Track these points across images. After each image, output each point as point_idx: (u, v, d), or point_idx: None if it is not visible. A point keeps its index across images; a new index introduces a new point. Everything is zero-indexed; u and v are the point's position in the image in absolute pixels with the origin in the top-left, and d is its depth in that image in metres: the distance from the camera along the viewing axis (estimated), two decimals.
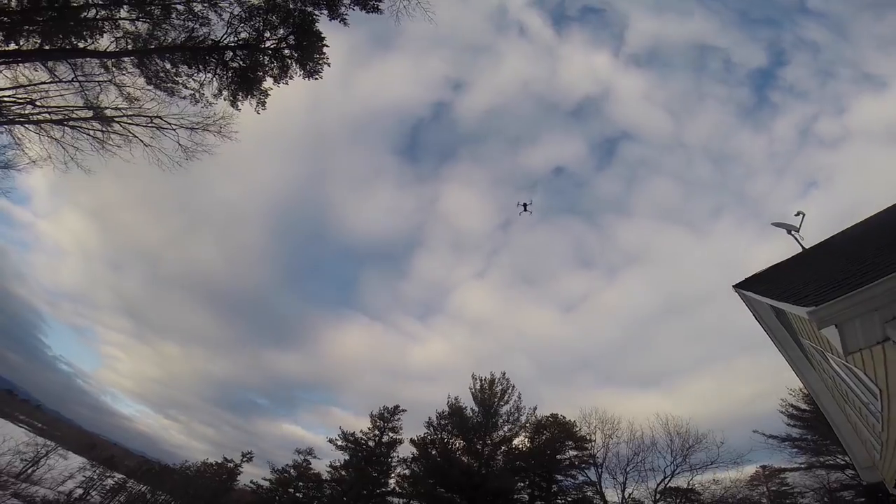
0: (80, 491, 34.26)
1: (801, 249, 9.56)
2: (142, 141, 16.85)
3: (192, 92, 16.41)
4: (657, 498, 30.68)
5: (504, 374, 37.61)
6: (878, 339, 4.01)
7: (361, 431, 36.79)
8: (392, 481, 36.19)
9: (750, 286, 7.30)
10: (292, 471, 36.38)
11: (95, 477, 38.15)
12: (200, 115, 16.86)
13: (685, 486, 30.55)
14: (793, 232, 9.81)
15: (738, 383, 44.38)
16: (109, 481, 39.08)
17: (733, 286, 8.49)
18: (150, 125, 16.59)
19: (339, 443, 36.24)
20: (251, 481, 36.86)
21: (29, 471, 29.18)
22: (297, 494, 36.02)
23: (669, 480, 30.60)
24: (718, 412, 41.32)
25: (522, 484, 35.07)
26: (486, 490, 32.16)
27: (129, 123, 16.55)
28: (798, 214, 9.73)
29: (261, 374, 63.69)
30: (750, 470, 31.65)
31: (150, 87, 16.19)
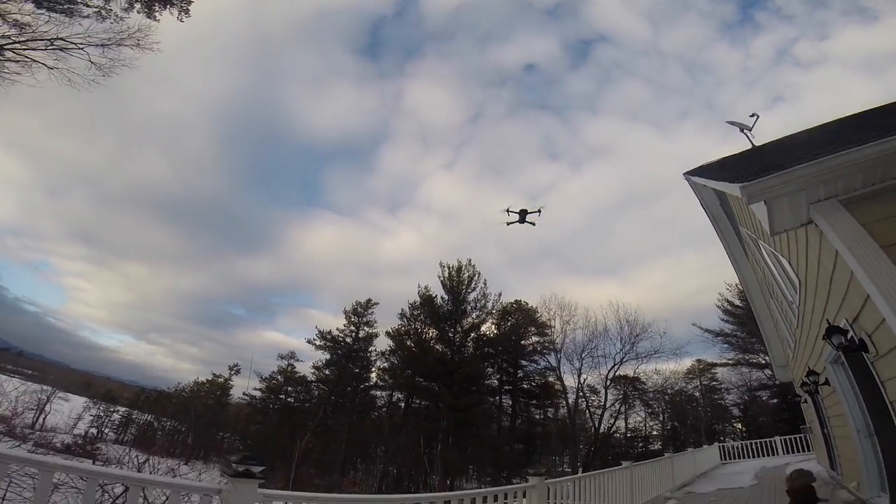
0: (94, 430, 34.46)
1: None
2: (44, 65, 14.54)
3: (97, 10, 14.26)
4: (608, 384, 33.08)
5: (470, 260, 38.14)
6: (802, 221, 4.00)
7: (338, 329, 37.30)
8: (373, 375, 37.58)
9: (698, 173, 7.34)
10: (279, 377, 37.51)
11: (102, 414, 38.50)
12: (112, 31, 14.70)
13: (632, 374, 33.16)
14: (745, 130, 9.79)
15: (685, 276, 47.03)
16: (116, 416, 39.56)
17: (683, 173, 8.49)
18: (51, 48, 14.36)
19: (318, 342, 36.87)
20: (244, 393, 37.97)
21: (39, 419, 28.75)
22: (289, 399, 37.43)
23: (618, 368, 32.79)
24: (665, 303, 44.27)
25: (492, 370, 37.05)
26: (460, 376, 33.91)
27: (24, 49, 14.32)
28: (753, 116, 9.70)
29: (234, 284, 62.92)
30: (686, 363, 33.95)
31: (43, 11, 13.86)
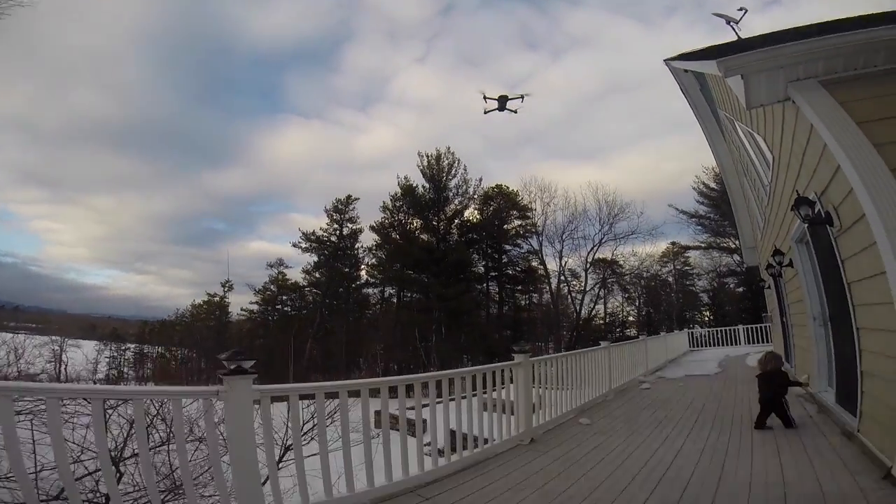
0: (114, 372, 34.78)
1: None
2: None
3: None
4: (588, 267, 34.83)
5: (449, 148, 37.54)
6: (779, 98, 3.93)
7: (321, 229, 37.22)
8: (363, 273, 38.18)
9: (679, 58, 7.07)
10: (273, 287, 37.84)
11: (116, 354, 38.63)
12: None
13: (610, 257, 34.68)
14: (731, 23, 9.23)
15: (664, 160, 47.31)
16: (128, 353, 39.78)
17: (664, 59, 8.09)
18: None
19: (304, 245, 36.96)
20: (241, 309, 38.50)
21: (61, 370, 28.63)
22: (286, 309, 37.98)
23: (597, 249, 34.31)
24: (643, 186, 45.09)
25: (477, 256, 38.06)
26: (446, 265, 34.78)
27: None
28: (741, 10, 9.15)
29: (209, 200, 60.66)
30: (662, 247, 35.39)
31: None
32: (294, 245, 37.26)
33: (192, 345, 39.13)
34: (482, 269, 38.40)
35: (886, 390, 3.34)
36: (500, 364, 5.08)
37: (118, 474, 4.45)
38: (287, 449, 5.54)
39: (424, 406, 3.95)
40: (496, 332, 35.00)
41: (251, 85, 61.30)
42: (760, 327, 17.63)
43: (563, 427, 5.80)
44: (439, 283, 33.92)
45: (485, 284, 38.44)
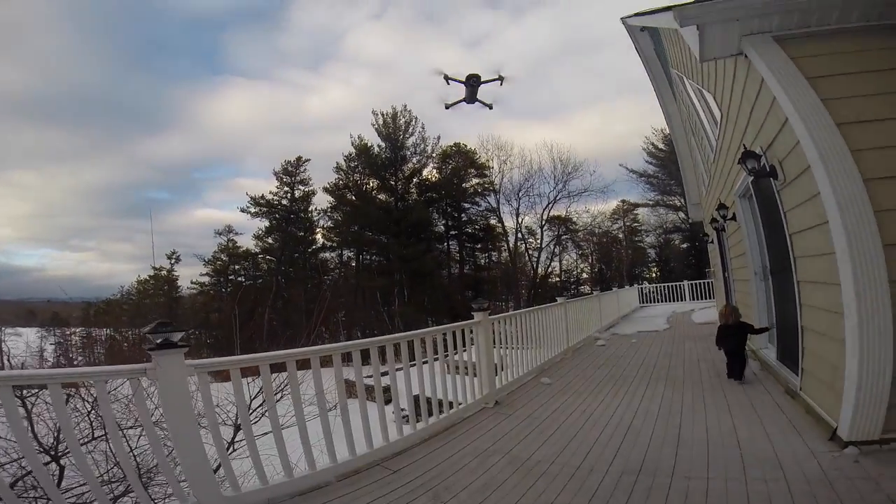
0: (62, 360, 32.04)
1: None
2: None
3: None
4: (543, 225, 35.72)
5: (406, 106, 36.08)
6: (732, 52, 3.90)
7: (271, 192, 35.25)
8: (319, 237, 36.57)
9: (636, 15, 6.99)
10: (223, 256, 35.52)
11: (62, 341, 35.38)
12: None
13: (564, 214, 35.58)
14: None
15: (616, 122, 47.88)
16: (75, 338, 36.61)
17: (621, 18, 7.97)
18: None
19: (253, 210, 34.92)
20: (192, 282, 35.85)
21: (3, 361, 26.05)
22: (239, 279, 35.68)
23: (552, 207, 35.15)
24: (596, 146, 45.97)
25: (437, 216, 37.63)
26: (406, 224, 34.17)
27: None
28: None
29: (147, 169, 55.03)
30: (612, 204, 36.41)
31: None
32: (243, 210, 35.00)
33: (143, 324, 36.69)
34: (442, 227, 38.03)
35: (827, 347, 3.43)
36: (460, 323, 4.98)
37: (57, 469, 4.04)
38: (239, 429, 5.28)
39: (384, 375, 3.83)
40: (458, 293, 35.12)
41: (188, 47, 55.67)
42: (704, 283, 18.45)
43: (525, 388, 5.86)
44: (399, 244, 33.39)
45: (445, 244, 38.14)
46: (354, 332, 31.99)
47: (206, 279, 35.82)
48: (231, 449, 5.14)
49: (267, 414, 3.12)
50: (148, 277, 37.45)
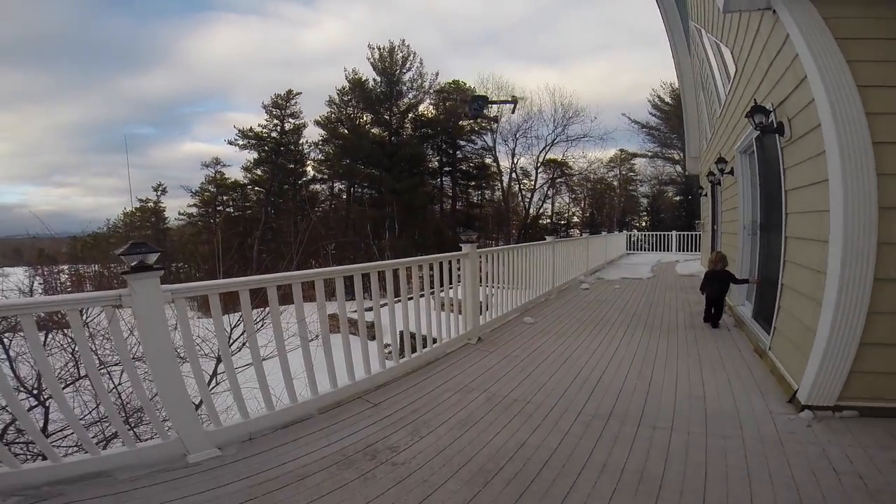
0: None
1: None
2: None
3: None
4: (539, 167, 35.43)
5: (404, 40, 34.84)
6: (760, 6, 3.70)
7: (259, 125, 34.22)
8: (309, 169, 35.91)
9: None
10: (211, 188, 34.64)
11: (49, 279, 33.99)
12: None
13: (560, 158, 35.16)
14: None
15: (624, 72, 46.18)
16: (63, 277, 35.22)
17: None
18: None
19: (241, 143, 34.01)
20: (179, 213, 35.13)
21: None
22: (228, 210, 34.90)
23: (549, 149, 34.72)
24: (601, 95, 44.59)
25: (431, 152, 37.02)
26: (399, 158, 33.69)
27: None
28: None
29: (131, 104, 51.72)
30: (610, 153, 36.12)
31: None
32: (230, 143, 33.97)
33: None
34: (436, 164, 37.42)
35: (803, 307, 3.47)
36: (448, 254, 4.91)
37: (37, 405, 4.00)
38: (220, 361, 5.32)
39: (368, 310, 3.81)
40: (450, 229, 35.07)
41: None
42: (691, 235, 18.65)
43: (508, 326, 5.96)
44: (391, 177, 32.93)
45: (439, 179, 37.68)
46: (344, 263, 31.91)
47: (193, 210, 35.22)
48: (214, 382, 5.21)
49: (247, 344, 3.06)
50: (134, 209, 36.48)
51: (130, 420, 4.34)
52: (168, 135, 53.71)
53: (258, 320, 5.35)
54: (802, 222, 3.66)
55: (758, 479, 2.31)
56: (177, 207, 36.20)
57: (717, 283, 5.85)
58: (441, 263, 4.75)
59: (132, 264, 2.22)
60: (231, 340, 5.56)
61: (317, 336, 3.32)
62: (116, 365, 4.25)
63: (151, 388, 3.19)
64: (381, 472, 2.45)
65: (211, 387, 5.07)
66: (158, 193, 36.01)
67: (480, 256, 5.55)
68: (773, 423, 2.98)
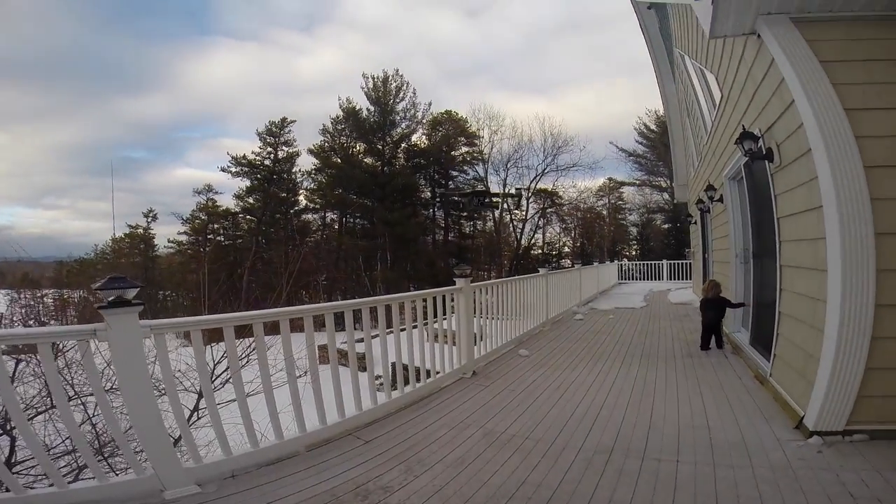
0: (32, 322, 30.17)
1: None
2: None
3: None
4: (530, 196, 35.69)
5: (398, 70, 35.24)
6: (745, 31, 3.73)
7: (253, 152, 34.12)
8: (302, 198, 35.69)
9: None
10: (202, 215, 34.09)
11: (32, 303, 33.10)
12: None
13: (551, 187, 35.61)
14: None
15: (611, 101, 47.33)
16: (47, 300, 34.32)
17: None
18: None
19: (234, 170, 33.78)
20: (169, 240, 34.49)
21: None
22: (218, 238, 34.48)
23: (540, 179, 35.09)
24: (588, 123, 45.61)
25: (424, 182, 37.11)
26: (392, 189, 33.64)
27: None
28: None
29: (125, 127, 51.29)
30: (599, 181, 36.45)
31: None
32: (223, 170, 33.78)
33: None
34: (428, 193, 37.54)
35: (803, 334, 3.40)
36: (442, 289, 4.83)
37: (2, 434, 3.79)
38: (202, 396, 5.10)
39: (359, 342, 3.68)
40: (442, 260, 34.97)
41: (176, 7, 51.62)
42: (682, 264, 18.72)
43: (503, 359, 5.83)
44: (384, 208, 32.89)
45: (431, 210, 37.73)
46: (335, 296, 31.53)
47: (183, 238, 34.55)
48: (195, 416, 4.96)
49: (231, 380, 2.90)
50: (123, 236, 35.78)
51: (105, 450, 4.11)
52: (161, 159, 53.38)
53: (244, 356, 5.13)
54: (797, 250, 3.63)
55: None
56: (167, 234, 35.37)
57: (712, 309, 5.92)
58: (435, 298, 4.67)
59: (109, 299, 2.11)
60: (214, 376, 5.32)
61: (305, 372, 3.18)
62: (91, 396, 4.05)
63: (127, 422, 3.01)
64: None
65: (192, 421, 4.82)
66: (149, 220, 35.33)
67: (475, 290, 5.48)
68: (782, 451, 2.86)
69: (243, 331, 3.23)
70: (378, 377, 3.93)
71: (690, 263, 15.53)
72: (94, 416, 4.11)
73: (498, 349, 6.00)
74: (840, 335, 2.82)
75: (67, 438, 3.87)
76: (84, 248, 37.28)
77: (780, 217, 3.93)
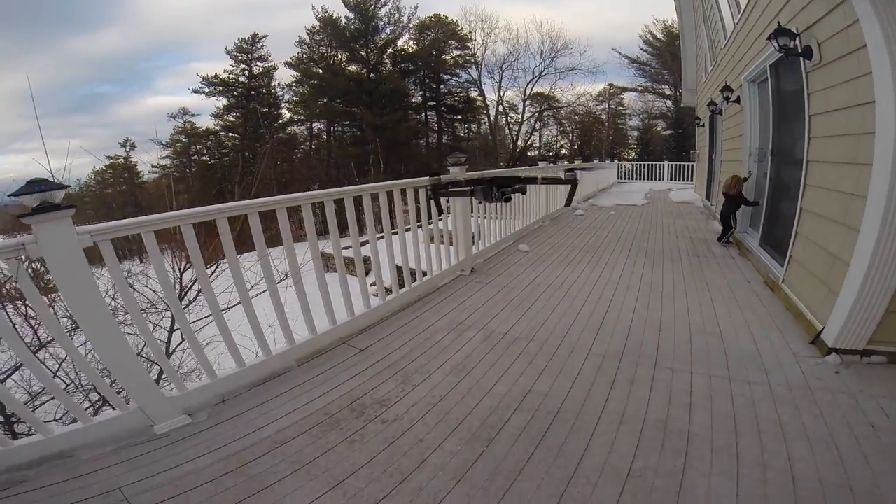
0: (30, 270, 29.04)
1: None
2: None
3: None
4: (526, 100, 34.04)
5: None
6: None
7: (225, 71, 31.91)
8: (285, 111, 33.90)
9: None
10: (182, 137, 32.50)
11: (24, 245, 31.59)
12: None
13: (548, 91, 33.74)
14: None
15: (614, 8, 43.33)
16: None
17: None
18: None
19: (207, 90, 31.80)
20: (153, 166, 32.40)
21: None
22: (203, 158, 33.04)
23: (536, 82, 33.23)
24: (590, 30, 42.23)
25: (414, 87, 35.23)
26: (379, 94, 32.14)
27: None
28: None
29: (85, 65, 45.12)
30: (599, 87, 34.47)
31: None
32: (195, 91, 31.55)
33: (108, 215, 34.47)
34: (420, 98, 35.60)
35: (830, 234, 3.08)
36: (435, 177, 4.37)
37: None
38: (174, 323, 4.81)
39: (345, 248, 3.35)
40: (437, 163, 33.90)
41: None
42: (684, 165, 18.02)
43: (502, 254, 5.60)
44: (372, 114, 31.46)
45: (423, 114, 36.04)
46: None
47: (167, 161, 33.10)
48: (172, 341, 4.76)
49: (202, 292, 2.57)
50: (105, 167, 34.27)
51: (87, 390, 3.96)
52: (128, 91, 49.33)
53: (211, 268, 4.73)
54: (832, 146, 3.24)
55: (793, 436, 1.99)
56: (149, 161, 33.68)
57: (728, 203, 5.80)
58: (427, 187, 4.20)
59: (33, 206, 1.71)
60: (183, 290, 4.97)
61: (286, 276, 2.82)
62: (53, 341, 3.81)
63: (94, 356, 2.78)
64: (370, 433, 2.12)
65: (173, 347, 4.65)
66: (127, 150, 33.68)
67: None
68: (798, 368, 2.64)
69: (212, 245, 2.83)
70: (372, 284, 3.67)
71: (693, 165, 15.02)
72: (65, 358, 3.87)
73: (497, 244, 5.77)
74: (881, 234, 2.47)
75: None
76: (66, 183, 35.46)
77: (812, 115, 3.55)
